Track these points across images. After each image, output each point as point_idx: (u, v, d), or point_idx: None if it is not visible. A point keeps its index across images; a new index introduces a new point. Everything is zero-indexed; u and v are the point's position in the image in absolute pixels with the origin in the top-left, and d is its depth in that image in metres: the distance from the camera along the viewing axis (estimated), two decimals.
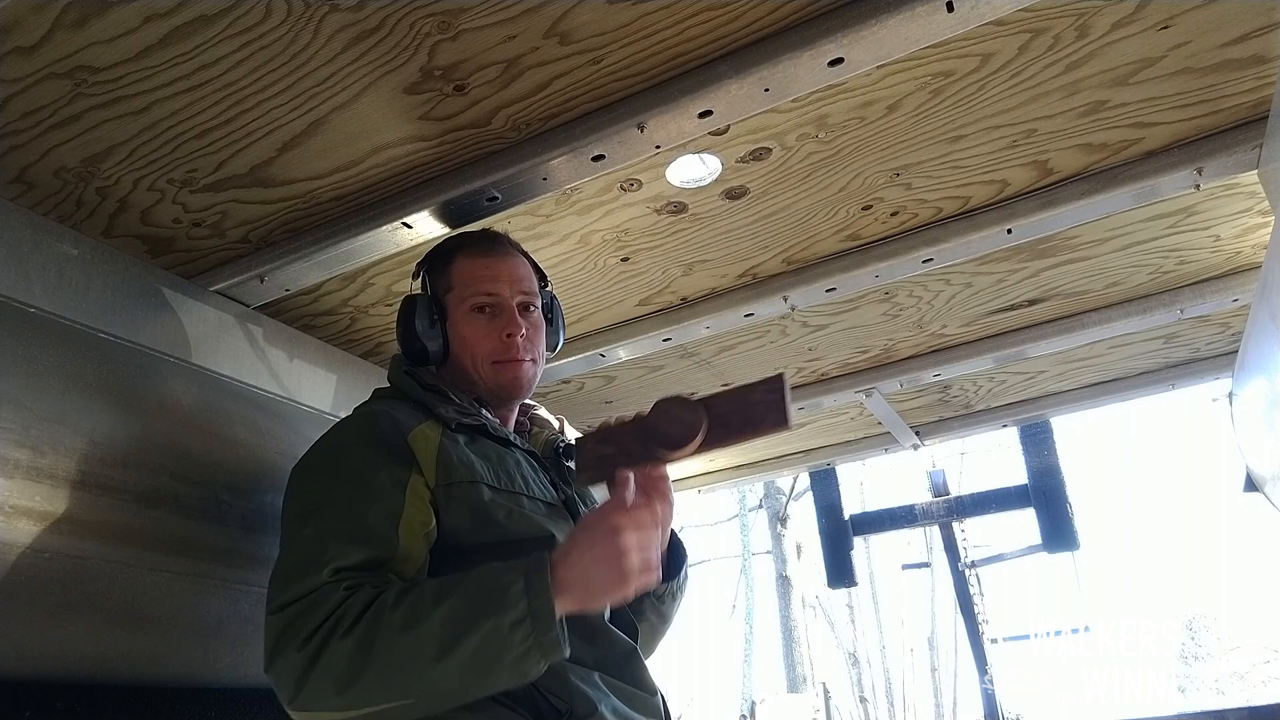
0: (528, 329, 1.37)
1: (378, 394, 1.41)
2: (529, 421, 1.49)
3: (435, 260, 1.43)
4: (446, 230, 1.53)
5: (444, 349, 1.38)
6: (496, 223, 1.63)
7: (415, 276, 1.45)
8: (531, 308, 1.41)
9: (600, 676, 1.16)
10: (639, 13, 1.19)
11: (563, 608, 1.01)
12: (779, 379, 1.13)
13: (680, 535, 1.41)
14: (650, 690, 1.23)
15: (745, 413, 1.14)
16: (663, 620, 1.44)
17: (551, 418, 1.54)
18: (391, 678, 0.98)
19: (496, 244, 1.43)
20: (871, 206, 1.74)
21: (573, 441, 1.38)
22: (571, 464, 1.40)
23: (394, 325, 1.43)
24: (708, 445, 1.12)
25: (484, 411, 1.35)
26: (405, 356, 1.39)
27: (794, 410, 1.10)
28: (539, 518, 1.24)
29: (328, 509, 1.13)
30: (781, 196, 1.68)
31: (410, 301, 1.38)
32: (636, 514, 1.04)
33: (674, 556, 1.38)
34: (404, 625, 0.98)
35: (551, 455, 1.41)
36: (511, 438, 1.36)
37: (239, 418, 1.50)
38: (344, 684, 0.98)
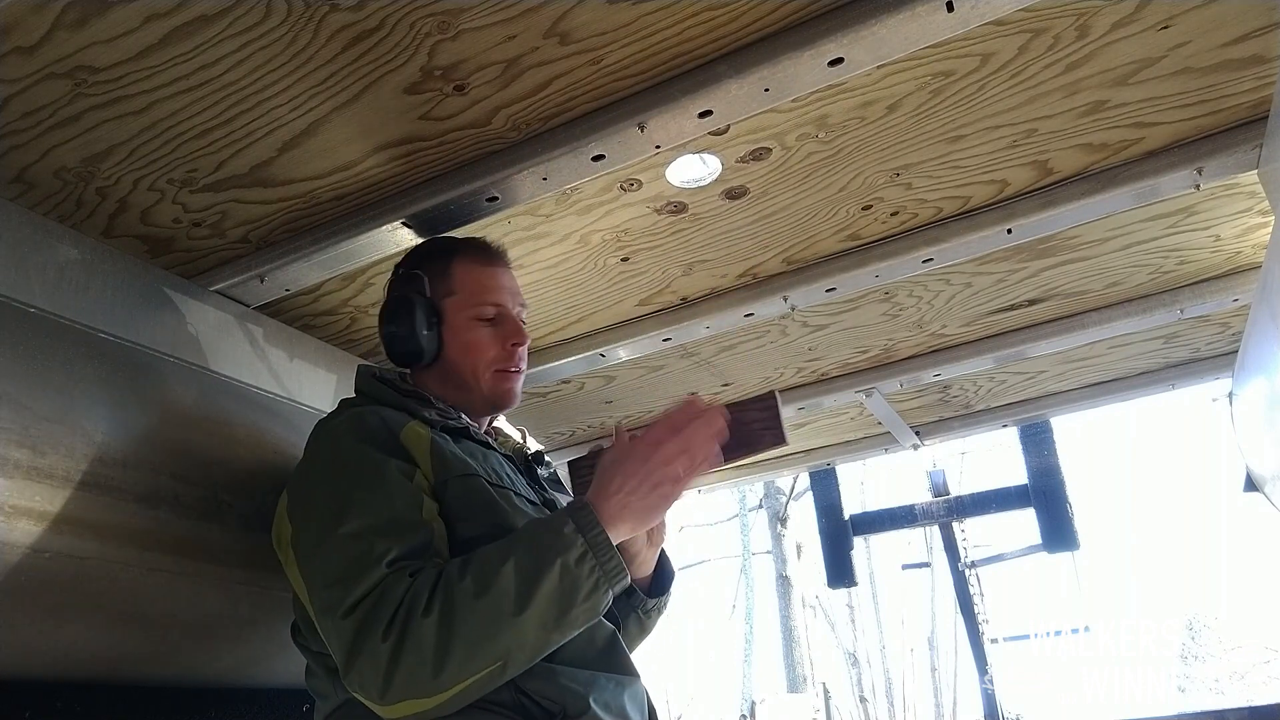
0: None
1: (347, 404, 1.34)
2: (492, 432, 1.49)
3: (431, 261, 1.42)
4: (446, 230, 1.53)
5: (435, 353, 1.38)
6: (496, 222, 1.63)
7: (402, 275, 1.42)
8: (524, 320, 1.44)
9: (588, 673, 1.15)
10: (639, 13, 1.19)
11: (617, 536, 1.07)
12: (771, 397, 1.14)
13: (669, 554, 1.44)
14: (634, 674, 1.23)
15: (741, 433, 1.17)
16: (642, 631, 1.44)
17: (512, 430, 1.56)
18: (479, 643, 0.99)
19: (497, 253, 1.46)
20: (871, 206, 1.74)
21: (538, 449, 1.44)
22: (542, 470, 1.45)
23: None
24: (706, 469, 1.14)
25: (463, 415, 1.36)
26: (395, 356, 1.38)
27: (788, 427, 1.11)
28: (532, 512, 1.26)
29: (357, 508, 1.11)
30: (781, 196, 1.68)
31: (407, 301, 1.37)
32: (669, 439, 1.10)
33: (661, 574, 1.42)
34: (478, 590, 1.01)
35: (523, 462, 1.43)
36: (491, 441, 1.37)
37: (239, 418, 1.51)
38: (437, 661, 0.98)
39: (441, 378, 1.40)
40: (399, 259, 1.49)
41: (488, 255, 1.44)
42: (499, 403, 1.40)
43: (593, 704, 1.10)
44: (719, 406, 1.15)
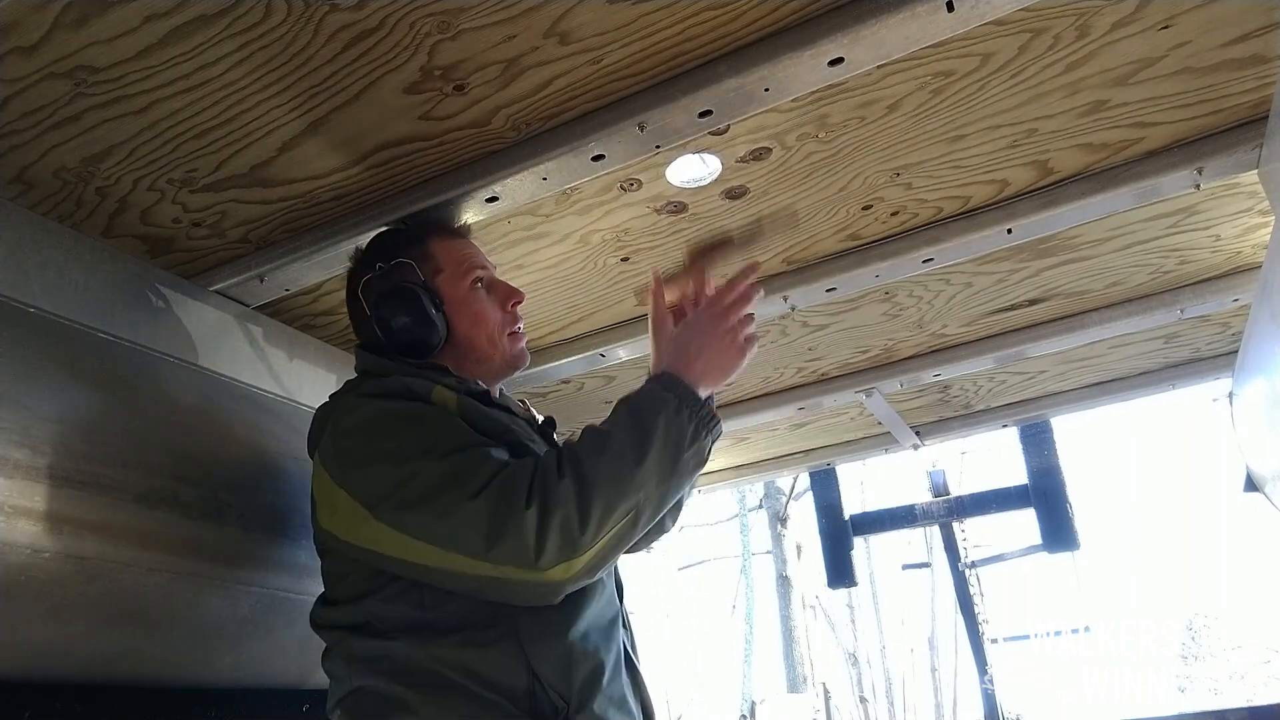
0: None
1: (356, 382, 1.32)
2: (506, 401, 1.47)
3: (410, 247, 1.37)
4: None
5: (446, 335, 1.34)
6: (496, 222, 1.63)
7: (384, 270, 1.35)
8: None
9: (598, 662, 1.15)
10: (639, 12, 1.19)
11: (702, 392, 1.17)
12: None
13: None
14: (635, 662, 1.26)
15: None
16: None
17: (513, 399, 1.54)
18: (612, 495, 1.06)
19: (462, 225, 1.47)
20: (871, 206, 1.74)
21: (548, 416, 1.47)
22: (556, 436, 1.44)
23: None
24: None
25: (479, 382, 1.35)
26: (407, 348, 1.32)
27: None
28: None
29: (442, 437, 1.13)
30: (781, 196, 1.68)
31: (407, 290, 1.31)
32: (730, 299, 1.23)
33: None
34: (599, 450, 1.10)
35: (536, 429, 1.40)
36: (511, 406, 1.38)
37: (239, 418, 1.50)
38: (581, 518, 1.04)
39: (455, 357, 1.36)
40: (357, 261, 1.43)
41: (455, 228, 1.46)
42: (516, 363, 1.41)
43: (598, 698, 1.12)
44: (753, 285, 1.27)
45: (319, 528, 1.22)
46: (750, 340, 1.23)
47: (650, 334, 1.37)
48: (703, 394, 1.18)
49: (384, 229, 1.49)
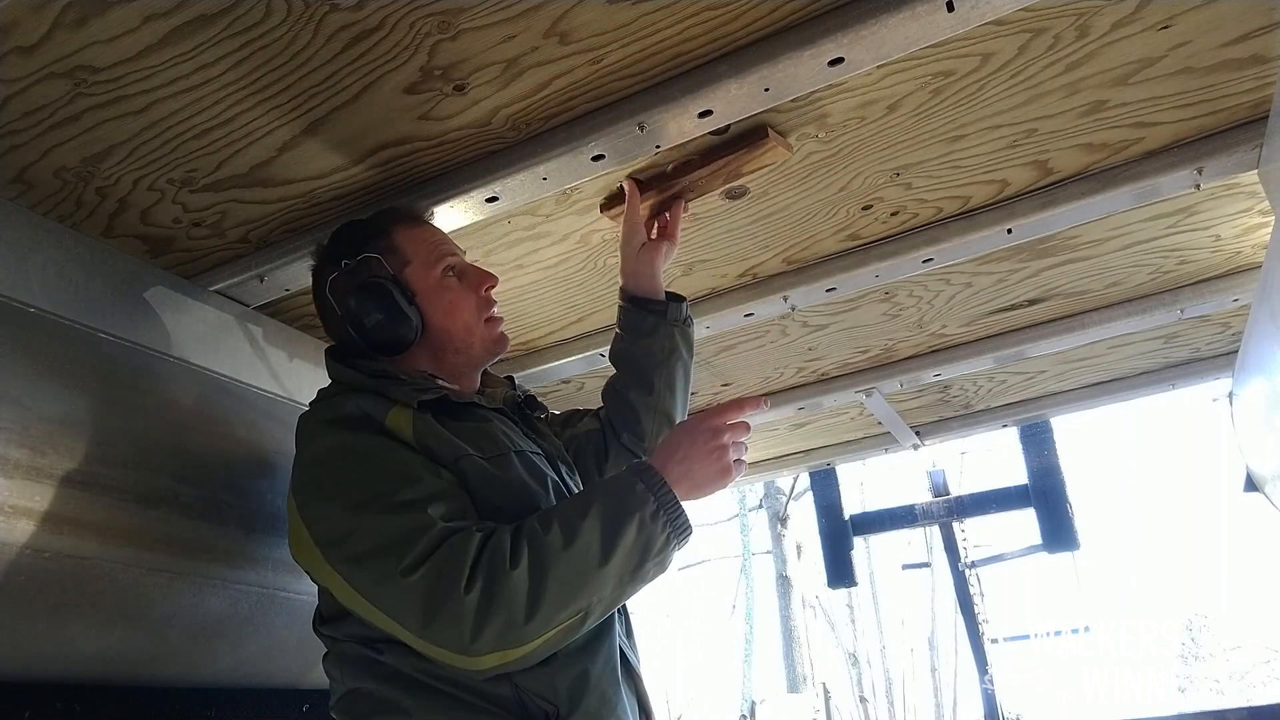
0: None
1: (324, 394, 1.30)
2: (483, 387, 1.45)
3: (373, 240, 1.33)
4: (448, 230, 1.52)
5: (421, 328, 1.32)
6: (496, 222, 1.63)
7: (350, 267, 1.31)
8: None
9: (583, 669, 1.14)
10: (639, 12, 1.19)
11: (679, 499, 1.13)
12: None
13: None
14: (632, 662, 1.25)
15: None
16: (689, 347, 1.61)
17: (496, 376, 1.52)
18: (567, 592, 1.03)
19: (422, 214, 1.45)
20: (871, 206, 1.74)
21: (529, 394, 1.45)
22: (539, 415, 1.44)
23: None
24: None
25: (439, 381, 1.31)
26: (381, 346, 1.30)
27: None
28: (541, 466, 1.26)
29: (389, 484, 1.10)
30: (781, 196, 1.68)
31: (377, 287, 1.28)
32: (731, 419, 1.19)
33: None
34: (565, 542, 1.05)
35: (515, 409, 1.40)
36: (477, 400, 1.32)
37: (239, 418, 1.50)
38: (529, 610, 1.01)
39: (431, 351, 1.34)
40: (320, 258, 1.40)
41: (418, 216, 1.42)
42: (496, 349, 1.38)
43: (587, 701, 1.11)
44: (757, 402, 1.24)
45: (291, 554, 1.20)
46: (739, 464, 1.20)
47: (621, 244, 1.48)
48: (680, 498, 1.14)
49: (344, 222, 1.43)
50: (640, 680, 1.25)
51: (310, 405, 1.29)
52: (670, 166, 1.52)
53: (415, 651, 1.08)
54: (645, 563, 1.09)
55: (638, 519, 1.08)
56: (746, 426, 1.21)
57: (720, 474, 1.17)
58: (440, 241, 1.39)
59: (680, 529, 1.11)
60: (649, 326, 1.56)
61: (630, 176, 1.54)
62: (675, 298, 1.60)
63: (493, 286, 1.40)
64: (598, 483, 1.17)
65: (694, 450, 1.16)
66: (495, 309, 1.40)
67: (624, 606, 1.31)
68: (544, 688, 1.09)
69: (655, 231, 1.60)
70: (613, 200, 1.60)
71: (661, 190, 1.55)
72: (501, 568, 1.02)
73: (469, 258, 1.65)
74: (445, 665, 1.05)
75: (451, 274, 1.36)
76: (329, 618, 1.19)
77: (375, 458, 1.14)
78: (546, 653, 1.06)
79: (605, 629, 1.20)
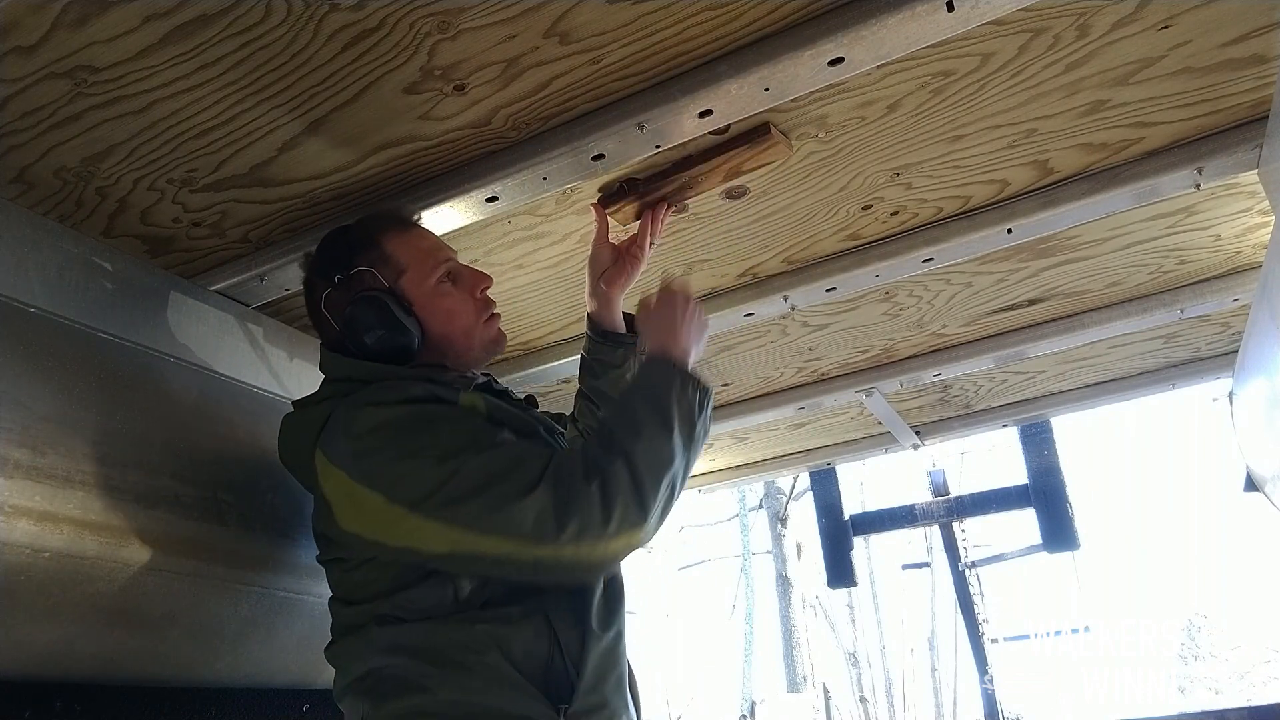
0: None
1: (361, 385, 1.25)
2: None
3: (363, 251, 1.32)
4: (447, 230, 1.53)
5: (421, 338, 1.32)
6: (496, 222, 1.63)
7: (342, 281, 1.30)
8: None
9: (607, 648, 1.20)
10: (639, 12, 1.19)
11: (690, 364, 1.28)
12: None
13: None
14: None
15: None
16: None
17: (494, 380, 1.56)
18: (657, 466, 1.13)
19: (411, 215, 1.45)
20: (871, 206, 1.74)
21: (528, 394, 1.50)
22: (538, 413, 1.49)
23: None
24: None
25: (474, 372, 1.38)
26: (383, 359, 1.28)
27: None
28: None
29: (479, 435, 1.16)
30: (781, 196, 1.68)
31: (374, 300, 1.27)
32: (678, 284, 1.37)
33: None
34: (635, 431, 1.15)
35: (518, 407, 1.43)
36: (510, 391, 1.41)
37: (239, 418, 1.50)
38: (637, 489, 1.10)
39: (434, 355, 1.33)
40: (311, 271, 1.38)
41: (405, 221, 1.40)
42: (495, 348, 1.40)
43: (609, 679, 1.17)
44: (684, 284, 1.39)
45: (339, 530, 1.17)
46: (704, 319, 1.37)
47: (589, 263, 1.56)
48: (690, 365, 1.27)
49: (330, 230, 1.41)
50: (634, 676, 1.29)
51: (349, 397, 1.23)
52: (670, 165, 1.52)
53: (459, 622, 1.12)
54: (695, 425, 1.20)
55: (674, 393, 1.19)
56: (689, 294, 1.37)
57: (702, 327, 1.36)
58: (433, 247, 1.38)
59: (703, 384, 1.24)
60: (618, 358, 1.58)
61: (627, 175, 1.54)
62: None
63: (488, 288, 1.41)
64: (629, 386, 1.27)
65: (676, 318, 1.31)
66: (494, 308, 1.41)
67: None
68: (576, 652, 1.15)
69: (625, 248, 1.59)
70: (608, 200, 1.60)
71: (653, 191, 1.54)
72: (605, 464, 1.11)
73: (469, 258, 1.65)
74: (576, 569, 1.11)
75: (447, 280, 1.36)
76: (365, 599, 1.18)
77: (453, 420, 1.19)
78: (657, 529, 1.15)
79: (619, 609, 1.26)
